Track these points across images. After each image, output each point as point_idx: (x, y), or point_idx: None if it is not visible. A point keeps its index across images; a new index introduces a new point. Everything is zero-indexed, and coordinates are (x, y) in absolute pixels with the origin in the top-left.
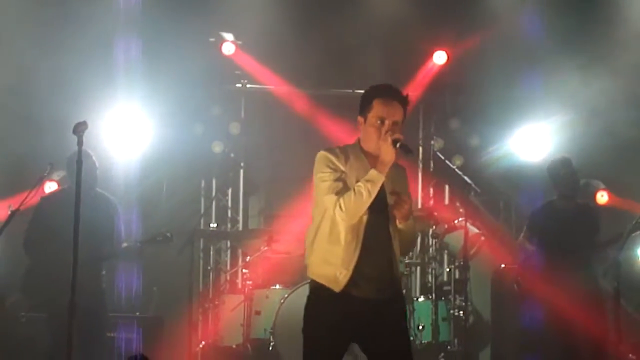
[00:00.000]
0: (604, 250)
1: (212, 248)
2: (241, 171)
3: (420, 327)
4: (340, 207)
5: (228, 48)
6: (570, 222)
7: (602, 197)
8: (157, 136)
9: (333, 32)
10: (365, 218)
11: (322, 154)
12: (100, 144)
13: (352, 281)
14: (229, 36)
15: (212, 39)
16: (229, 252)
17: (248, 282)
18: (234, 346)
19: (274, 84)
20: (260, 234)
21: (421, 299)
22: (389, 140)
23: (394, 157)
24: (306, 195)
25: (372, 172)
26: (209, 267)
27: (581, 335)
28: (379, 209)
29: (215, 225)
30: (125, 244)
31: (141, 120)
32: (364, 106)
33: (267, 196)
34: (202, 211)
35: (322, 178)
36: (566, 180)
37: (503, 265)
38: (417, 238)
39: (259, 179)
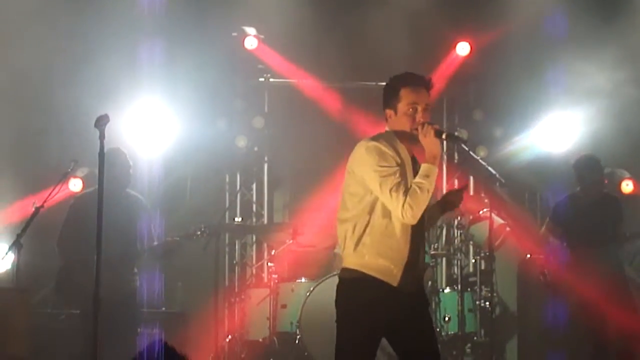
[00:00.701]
0: (628, 241)
1: (237, 242)
2: (265, 165)
3: (447, 319)
4: (410, 206)
5: (250, 42)
6: (593, 214)
7: (627, 186)
8: (181, 131)
9: (356, 25)
10: None
11: (375, 145)
12: (124, 140)
13: (405, 275)
14: (251, 30)
15: (234, 34)
16: (254, 246)
17: (274, 276)
18: (260, 340)
19: (297, 77)
20: (285, 227)
21: (447, 290)
22: (432, 132)
23: (439, 147)
24: (331, 188)
25: (428, 167)
26: (234, 262)
27: (610, 326)
28: None
29: (240, 219)
30: (155, 243)
31: (164, 116)
32: (391, 97)
33: (292, 190)
34: (227, 205)
35: (382, 173)
36: (591, 178)
37: (529, 256)
38: None
39: (283, 173)
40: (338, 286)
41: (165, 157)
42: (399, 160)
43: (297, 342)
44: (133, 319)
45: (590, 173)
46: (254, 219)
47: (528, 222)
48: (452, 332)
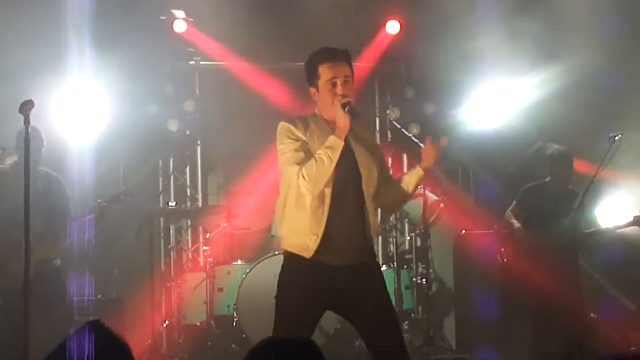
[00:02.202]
0: (587, 236)
1: (172, 227)
2: (198, 149)
3: None
4: (303, 176)
5: (180, 25)
6: (558, 205)
7: None
8: (111, 117)
9: (286, 5)
10: (330, 184)
11: (281, 124)
12: (53, 127)
13: (323, 248)
14: (180, 13)
15: (163, 17)
16: (189, 230)
17: (209, 259)
18: (197, 324)
19: (227, 59)
20: (219, 210)
21: (383, 268)
22: (338, 105)
23: (348, 121)
24: (264, 170)
25: (331, 138)
26: (169, 246)
27: (555, 302)
28: (348, 176)
29: (174, 203)
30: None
31: (94, 102)
32: (311, 75)
33: (226, 172)
34: (160, 190)
35: (283, 150)
36: (562, 172)
37: (463, 232)
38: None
39: (216, 156)
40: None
41: (97, 143)
42: (304, 138)
43: (234, 324)
44: (59, 295)
45: (562, 168)
46: (188, 203)
47: (461, 198)
48: None
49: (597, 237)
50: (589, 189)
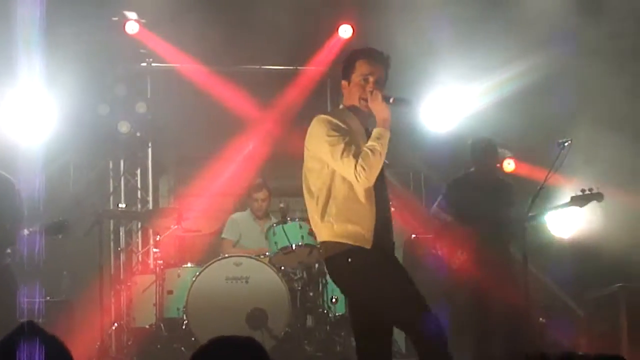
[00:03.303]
0: (514, 223)
1: (122, 229)
2: (149, 151)
3: (334, 300)
4: (363, 168)
5: (132, 27)
6: (485, 196)
7: (509, 165)
8: (61, 118)
9: (238, 8)
10: None
11: (324, 118)
12: (1, 129)
13: (375, 237)
14: (132, 15)
15: (115, 18)
16: (139, 232)
17: (159, 262)
18: (147, 326)
19: (180, 62)
20: (169, 213)
21: None
22: (379, 97)
23: (388, 111)
24: (215, 172)
25: (379, 130)
26: (119, 248)
27: (496, 306)
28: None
29: (124, 205)
30: (26, 231)
31: (44, 103)
32: (347, 69)
33: (177, 175)
34: (111, 191)
35: (332, 142)
36: (486, 160)
37: (414, 236)
38: None
39: (167, 158)
40: (327, 267)
41: (47, 144)
42: (348, 129)
43: (184, 327)
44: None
45: (486, 156)
46: (139, 205)
47: (413, 202)
48: (340, 314)
49: (530, 223)
50: (538, 194)
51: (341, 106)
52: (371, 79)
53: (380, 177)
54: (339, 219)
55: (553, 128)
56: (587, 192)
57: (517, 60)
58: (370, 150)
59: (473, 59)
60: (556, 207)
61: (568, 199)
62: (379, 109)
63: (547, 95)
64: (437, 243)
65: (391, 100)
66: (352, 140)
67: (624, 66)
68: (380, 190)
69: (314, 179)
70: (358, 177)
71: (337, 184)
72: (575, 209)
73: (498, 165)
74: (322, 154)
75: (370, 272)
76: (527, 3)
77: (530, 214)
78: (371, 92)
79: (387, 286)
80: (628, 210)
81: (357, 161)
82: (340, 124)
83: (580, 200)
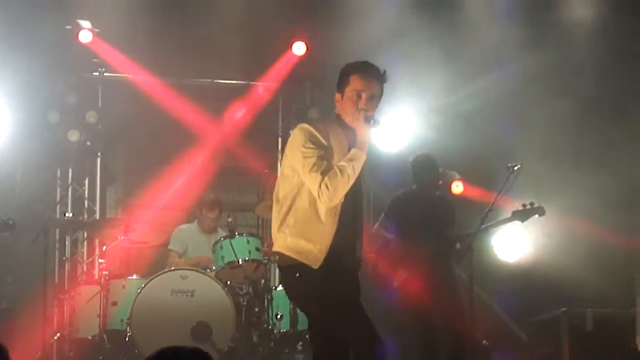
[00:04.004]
0: (457, 241)
1: (68, 238)
2: (98, 160)
3: (279, 316)
4: (326, 186)
5: (85, 36)
6: (426, 213)
7: (457, 187)
8: (10, 125)
9: (193, 21)
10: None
11: (305, 127)
12: None
13: (326, 257)
14: (86, 24)
15: (68, 27)
16: (85, 242)
17: (104, 273)
18: (89, 337)
19: (132, 72)
20: (116, 223)
21: (280, 288)
22: (362, 118)
23: (368, 134)
24: (164, 184)
25: (355, 152)
26: (64, 258)
27: (439, 324)
28: (352, 187)
29: (71, 214)
30: None
31: None
32: (341, 82)
33: (125, 186)
34: (58, 200)
35: (306, 154)
36: (426, 177)
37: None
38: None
39: (116, 169)
40: (280, 276)
41: None
42: (326, 144)
43: (127, 339)
44: None
45: (425, 172)
46: (86, 215)
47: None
48: (284, 330)
49: (471, 239)
50: (487, 216)
51: (336, 112)
52: (364, 96)
53: (354, 199)
54: (294, 232)
55: (502, 151)
56: (528, 206)
57: (468, 83)
58: (340, 170)
59: (425, 78)
60: (498, 223)
61: (509, 215)
62: (360, 130)
63: (496, 119)
64: (379, 262)
65: (372, 122)
66: (326, 156)
67: (566, 90)
68: (348, 211)
69: (284, 185)
70: (320, 195)
71: (302, 196)
72: (517, 223)
73: (441, 182)
74: (296, 162)
75: (315, 291)
76: (473, 28)
77: (476, 235)
78: (359, 111)
79: (328, 308)
80: (572, 235)
81: (322, 178)
82: (319, 136)
83: (521, 214)
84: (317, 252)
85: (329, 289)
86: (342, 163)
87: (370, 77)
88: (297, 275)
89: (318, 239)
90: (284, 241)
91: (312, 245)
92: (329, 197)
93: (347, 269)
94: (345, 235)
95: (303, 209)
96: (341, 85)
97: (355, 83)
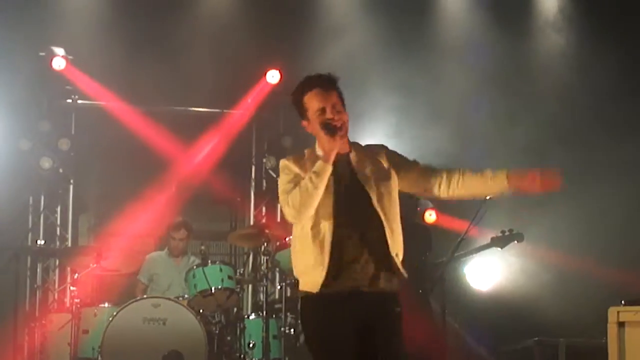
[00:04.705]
0: (435, 269)
1: (39, 266)
2: (70, 188)
3: (251, 345)
4: (287, 203)
5: (58, 63)
6: (405, 240)
7: (431, 216)
8: None
9: (167, 48)
10: (330, 213)
11: (282, 162)
12: None
13: (330, 279)
14: (59, 50)
15: (42, 54)
16: (57, 269)
17: (76, 300)
18: None
19: (105, 99)
20: (88, 251)
21: (252, 316)
22: (319, 126)
23: (334, 143)
24: (137, 212)
25: (318, 163)
26: (35, 285)
27: (414, 352)
28: (353, 200)
29: (43, 242)
30: None
31: None
32: (300, 110)
33: (97, 213)
34: (30, 227)
35: (281, 187)
36: (407, 202)
37: None
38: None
39: (89, 196)
40: None
41: None
42: (298, 171)
43: None
44: None
45: (405, 198)
46: (58, 242)
47: None
48: (257, 359)
49: (443, 268)
50: (459, 245)
51: (316, 147)
52: (328, 110)
53: (363, 210)
54: (296, 262)
55: None
56: (507, 233)
57: (448, 110)
58: (300, 185)
59: (399, 105)
60: (477, 249)
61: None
62: (322, 140)
63: (468, 146)
64: None
65: (337, 131)
66: (295, 180)
67: (536, 119)
68: (352, 225)
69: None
70: (286, 214)
71: (296, 225)
72: (495, 250)
73: (419, 209)
74: None
75: (304, 326)
76: (448, 57)
77: (448, 264)
78: (321, 124)
79: (311, 347)
80: (544, 264)
81: (285, 198)
82: (291, 165)
83: (500, 241)
84: (317, 275)
85: (318, 322)
86: (305, 177)
87: (322, 89)
88: (299, 307)
89: (313, 263)
90: (295, 273)
91: (311, 269)
92: (292, 215)
93: (350, 292)
94: (351, 250)
95: (296, 237)
96: (302, 113)
97: (312, 104)
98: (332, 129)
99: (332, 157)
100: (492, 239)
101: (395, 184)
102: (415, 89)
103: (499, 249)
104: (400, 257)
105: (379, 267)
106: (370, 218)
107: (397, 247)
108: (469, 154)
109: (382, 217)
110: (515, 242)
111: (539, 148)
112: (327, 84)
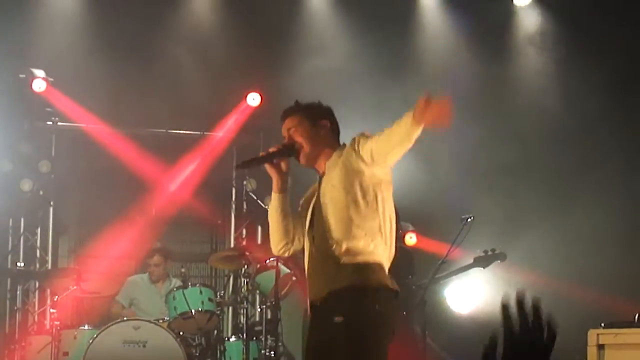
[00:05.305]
0: (417, 292)
1: (19, 288)
2: (50, 210)
3: None
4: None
5: (39, 85)
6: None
7: (411, 239)
8: None
9: (147, 71)
10: (302, 234)
11: None
12: None
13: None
14: (40, 72)
15: (22, 75)
16: (37, 292)
17: (56, 323)
18: None
19: (86, 122)
20: (68, 273)
21: (233, 339)
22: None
23: (274, 172)
24: (117, 234)
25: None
26: (15, 308)
27: None
28: (312, 221)
29: (22, 264)
30: None
31: None
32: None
33: (78, 235)
34: (10, 250)
35: None
36: None
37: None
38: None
39: (69, 219)
40: None
41: None
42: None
43: None
44: None
45: None
46: (37, 264)
47: None
48: None
49: (423, 291)
50: (439, 268)
51: None
52: (286, 137)
53: (317, 227)
54: None
55: (455, 202)
56: (490, 252)
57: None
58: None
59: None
60: (459, 270)
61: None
62: (270, 172)
63: (454, 170)
64: None
65: (286, 151)
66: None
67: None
68: (312, 243)
69: None
70: None
71: None
72: (478, 270)
73: (401, 231)
74: None
75: None
76: (433, 78)
77: (428, 286)
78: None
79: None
80: (525, 286)
81: None
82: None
83: (483, 261)
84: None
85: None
86: None
87: (283, 122)
88: None
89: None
90: None
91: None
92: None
93: (314, 310)
94: (311, 265)
95: None
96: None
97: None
98: (242, 164)
99: (275, 185)
100: (475, 258)
101: (354, 189)
102: (395, 111)
103: (482, 268)
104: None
105: (321, 282)
106: (322, 234)
107: (339, 254)
108: (445, 174)
109: (331, 228)
110: (498, 261)
111: (519, 168)
112: (284, 115)
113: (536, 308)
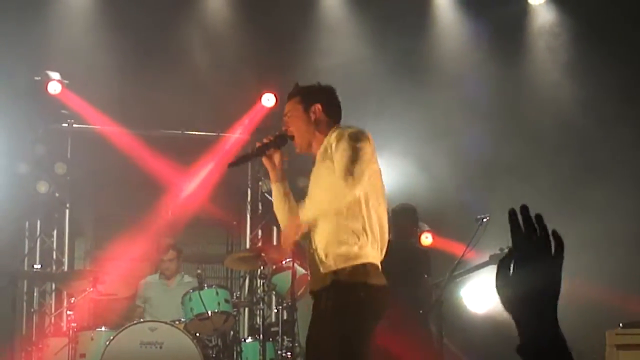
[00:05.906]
0: (430, 292)
1: (36, 290)
2: (67, 212)
3: None
4: None
5: (54, 87)
6: (403, 263)
7: (427, 239)
8: None
9: (162, 72)
10: None
11: None
12: None
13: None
14: (55, 75)
15: (37, 78)
16: (53, 294)
17: (73, 325)
18: None
19: (101, 124)
20: (85, 275)
21: (249, 340)
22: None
23: (268, 164)
24: (134, 236)
25: None
26: (32, 310)
27: None
28: None
29: (39, 266)
30: None
31: None
32: None
33: (94, 237)
34: (26, 252)
35: None
36: (406, 227)
37: None
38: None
39: (85, 220)
40: None
41: None
42: None
43: None
44: None
45: (406, 223)
46: (54, 266)
47: None
48: None
49: (440, 291)
50: (456, 268)
51: None
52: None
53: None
54: None
55: (471, 202)
56: (506, 249)
57: (440, 134)
58: None
59: (398, 129)
60: (475, 267)
61: (487, 258)
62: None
63: (469, 169)
64: None
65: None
66: None
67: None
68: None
69: None
70: None
71: None
72: (494, 269)
73: (418, 231)
74: None
75: None
76: (446, 83)
77: (445, 286)
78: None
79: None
80: None
81: None
82: None
83: (498, 258)
84: None
85: None
86: None
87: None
88: None
89: None
90: None
91: None
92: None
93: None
94: (309, 263)
95: None
96: None
97: None
98: (243, 158)
99: (272, 176)
100: (491, 256)
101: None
102: (410, 114)
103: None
104: (328, 259)
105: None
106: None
107: (322, 252)
108: (461, 173)
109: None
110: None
111: (535, 169)
112: (288, 97)
113: (539, 218)
